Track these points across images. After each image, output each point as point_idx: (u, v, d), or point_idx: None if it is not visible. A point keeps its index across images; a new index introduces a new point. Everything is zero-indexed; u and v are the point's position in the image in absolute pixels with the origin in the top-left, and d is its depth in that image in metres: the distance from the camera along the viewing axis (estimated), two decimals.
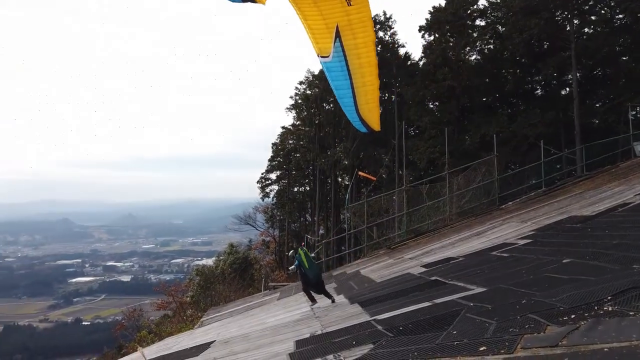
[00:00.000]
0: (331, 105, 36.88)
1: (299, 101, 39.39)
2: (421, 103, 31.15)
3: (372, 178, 27.66)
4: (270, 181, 43.81)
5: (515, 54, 29.06)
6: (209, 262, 40.69)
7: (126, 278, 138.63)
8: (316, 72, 37.53)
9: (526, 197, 20.11)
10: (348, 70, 6.25)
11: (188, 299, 23.61)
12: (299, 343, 7.25)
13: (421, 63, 33.69)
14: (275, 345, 7.82)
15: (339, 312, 9.38)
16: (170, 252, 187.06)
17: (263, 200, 44.21)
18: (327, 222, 39.20)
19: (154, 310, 29.10)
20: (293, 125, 41.57)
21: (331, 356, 5.59)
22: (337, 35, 5.90)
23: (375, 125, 7.45)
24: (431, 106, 32.30)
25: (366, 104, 6.78)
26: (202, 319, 17.84)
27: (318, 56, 6.35)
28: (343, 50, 6.01)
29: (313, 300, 10.76)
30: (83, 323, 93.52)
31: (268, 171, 43.68)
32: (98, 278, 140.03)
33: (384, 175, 31.13)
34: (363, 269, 16.63)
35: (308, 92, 38.78)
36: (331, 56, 6.20)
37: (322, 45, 6.18)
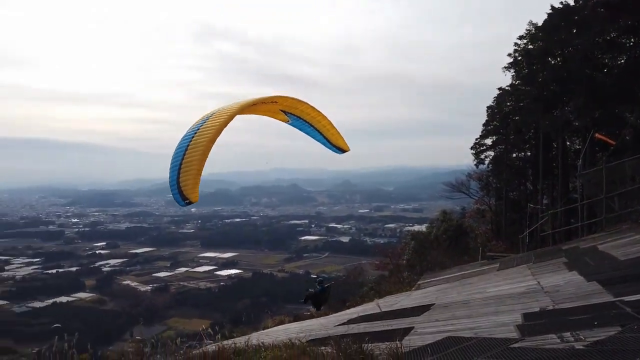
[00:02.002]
0: (558, 59, 32.49)
1: (519, 58, 35.85)
2: None
3: (611, 142, 23.56)
4: (485, 147, 41.45)
5: None
6: (421, 228, 41.22)
7: (345, 239, 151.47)
8: (539, 23, 33.50)
9: None
10: (307, 122, 9.95)
11: (404, 261, 24.62)
12: (528, 316, 6.93)
13: None
14: (500, 315, 7.62)
15: (573, 290, 8.55)
16: (384, 217, 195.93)
17: (477, 167, 42.20)
18: (552, 191, 35.32)
19: (372, 270, 31.19)
20: (511, 85, 38.17)
21: (568, 334, 5.20)
22: (284, 112, 9.84)
23: (345, 145, 10.45)
24: None
25: (332, 135, 10.14)
26: (418, 282, 18.42)
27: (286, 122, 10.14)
28: (295, 117, 9.92)
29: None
30: (311, 276, 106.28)
31: (482, 136, 41.33)
32: (322, 237, 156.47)
33: (627, 137, 26.21)
34: (601, 244, 14.59)
35: (530, 46, 34.95)
36: (291, 121, 10.12)
37: (282, 118, 10.07)
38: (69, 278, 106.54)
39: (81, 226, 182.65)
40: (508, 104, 38.84)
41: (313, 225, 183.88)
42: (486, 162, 40.88)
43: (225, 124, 7.71)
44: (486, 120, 40.70)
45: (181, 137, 7.96)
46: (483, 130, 41.11)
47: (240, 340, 8.46)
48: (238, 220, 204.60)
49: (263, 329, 15.16)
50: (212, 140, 7.49)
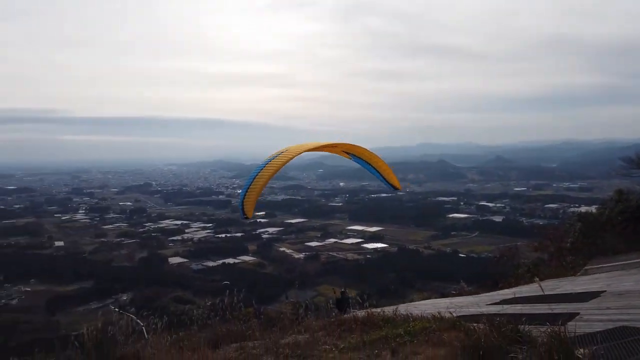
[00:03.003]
0: None
1: None
2: None
3: None
4: None
5: None
6: (590, 209, 36.56)
7: (498, 218, 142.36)
8: None
9: None
10: (365, 161, 11.47)
11: (567, 244, 22.21)
12: None
13: None
14: None
15: None
16: (543, 196, 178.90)
17: None
18: None
19: (529, 252, 28.90)
20: None
21: None
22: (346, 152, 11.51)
23: (397, 183, 11.94)
24: None
25: (386, 174, 11.40)
26: (585, 267, 16.55)
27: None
28: (355, 156, 11.47)
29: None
30: (459, 255, 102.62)
31: None
32: (472, 216, 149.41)
33: None
34: None
35: None
36: (352, 158, 11.65)
37: (344, 155, 11.72)
38: (235, 242, 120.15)
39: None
40: None
41: (462, 203, 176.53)
42: None
43: (286, 162, 9.83)
44: None
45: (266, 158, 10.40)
46: None
47: (388, 310, 8.64)
48: (384, 195, 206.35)
49: (410, 302, 15.24)
50: (271, 175, 9.61)
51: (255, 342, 8.36)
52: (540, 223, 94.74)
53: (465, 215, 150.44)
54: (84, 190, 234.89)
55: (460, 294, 15.42)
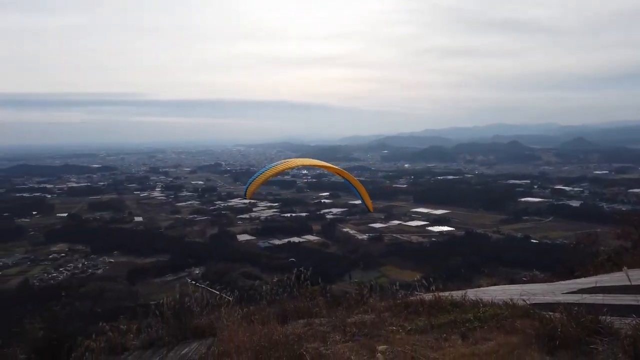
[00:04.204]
0: None
1: None
2: None
3: None
4: None
5: None
6: None
7: (575, 203, 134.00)
8: None
9: None
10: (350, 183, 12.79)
11: None
12: None
13: None
14: None
15: None
16: (628, 180, 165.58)
17: None
18: None
19: (610, 239, 26.96)
20: None
21: None
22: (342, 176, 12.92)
23: (370, 206, 13.73)
24: None
25: (364, 196, 12.87)
26: None
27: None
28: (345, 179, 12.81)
29: None
30: (531, 240, 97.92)
31: None
32: (546, 200, 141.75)
33: None
34: None
35: None
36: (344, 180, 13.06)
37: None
38: (299, 222, 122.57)
39: (309, 177, 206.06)
40: None
41: (535, 186, 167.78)
42: None
43: (284, 170, 11.95)
44: None
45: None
46: None
47: (456, 294, 8.48)
48: (451, 177, 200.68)
49: (478, 287, 14.83)
50: (273, 175, 11.83)
51: (321, 319, 8.55)
52: (623, 209, 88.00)
53: (539, 199, 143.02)
54: (160, 169, 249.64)
55: (532, 280, 14.78)
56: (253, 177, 11.89)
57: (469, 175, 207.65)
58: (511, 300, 7.01)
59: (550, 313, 5.84)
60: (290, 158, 13.36)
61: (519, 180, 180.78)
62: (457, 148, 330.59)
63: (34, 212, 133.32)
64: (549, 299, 7.99)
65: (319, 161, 13.31)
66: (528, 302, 6.97)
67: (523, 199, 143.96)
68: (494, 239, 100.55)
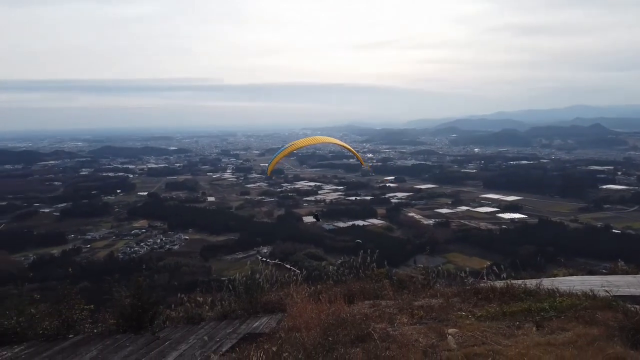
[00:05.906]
0: None
1: None
2: None
3: None
4: None
5: None
6: None
7: None
8: None
9: None
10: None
11: None
12: None
13: None
14: None
15: None
16: None
17: None
18: None
19: None
20: None
21: None
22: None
23: (362, 162, 15.48)
24: None
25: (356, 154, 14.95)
26: None
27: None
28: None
29: None
30: (613, 230, 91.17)
31: None
32: (631, 187, 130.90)
33: None
34: None
35: None
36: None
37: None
38: (364, 205, 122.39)
39: (375, 161, 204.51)
40: None
41: (620, 173, 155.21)
42: None
43: (293, 150, 13.47)
44: None
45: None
46: None
47: (530, 282, 8.17)
48: (524, 162, 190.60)
49: (554, 277, 14.14)
50: (285, 155, 13.65)
51: (387, 301, 8.60)
52: None
53: (623, 187, 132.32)
54: (231, 152, 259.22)
55: (614, 272, 13.84)
56: (272, 157, 13.80)
57: (545, 161, 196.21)
58: (591, 291, 6.66)
59: (636, 306, 5.50)
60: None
61: (601, 166, 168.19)
62: (532, 131, 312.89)
63: (118, 191, 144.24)
64: (633, 290, 7.50)
65: (324, 137, 15.40)
66: (610, 293, 6.58)
67: (605, 186, 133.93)
68: (571, 228, 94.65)
